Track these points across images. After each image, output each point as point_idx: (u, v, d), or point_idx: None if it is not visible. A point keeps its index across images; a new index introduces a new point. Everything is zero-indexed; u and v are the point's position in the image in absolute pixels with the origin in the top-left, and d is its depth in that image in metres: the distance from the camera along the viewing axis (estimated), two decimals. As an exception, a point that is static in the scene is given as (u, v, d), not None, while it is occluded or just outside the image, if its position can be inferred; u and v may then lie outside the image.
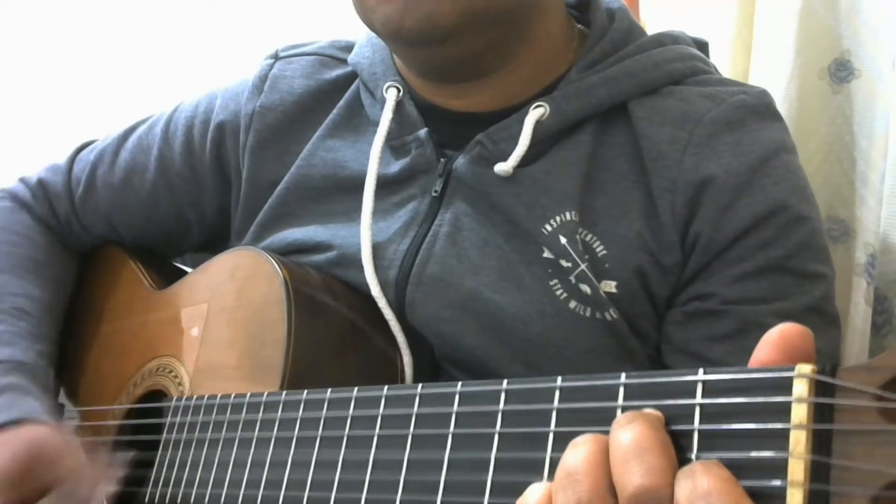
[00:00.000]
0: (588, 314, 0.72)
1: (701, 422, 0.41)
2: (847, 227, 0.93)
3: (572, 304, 0.72)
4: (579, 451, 0.42)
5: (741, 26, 1.03)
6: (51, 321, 0.94)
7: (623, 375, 0.45)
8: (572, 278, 0.72)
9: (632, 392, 0.44)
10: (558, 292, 0.73)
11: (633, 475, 0.40)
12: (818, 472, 0.37)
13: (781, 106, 0.94)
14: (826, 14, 0.94)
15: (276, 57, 0.91)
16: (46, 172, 1.01)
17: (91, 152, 0.99)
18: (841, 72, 0.94)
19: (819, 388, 0.38)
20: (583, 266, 0.72)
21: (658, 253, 0.72)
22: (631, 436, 0.41)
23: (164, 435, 0.76)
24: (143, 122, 0.99)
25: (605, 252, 0.73)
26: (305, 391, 0.63)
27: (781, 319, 0.68)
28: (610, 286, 0.72)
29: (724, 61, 1.03)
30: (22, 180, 1.02)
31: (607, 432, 0.42)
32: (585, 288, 0.72)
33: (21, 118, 1.81)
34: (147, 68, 1.77)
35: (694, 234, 0.71)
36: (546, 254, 0.73)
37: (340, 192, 0.83)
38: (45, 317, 0.92)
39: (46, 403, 0.81)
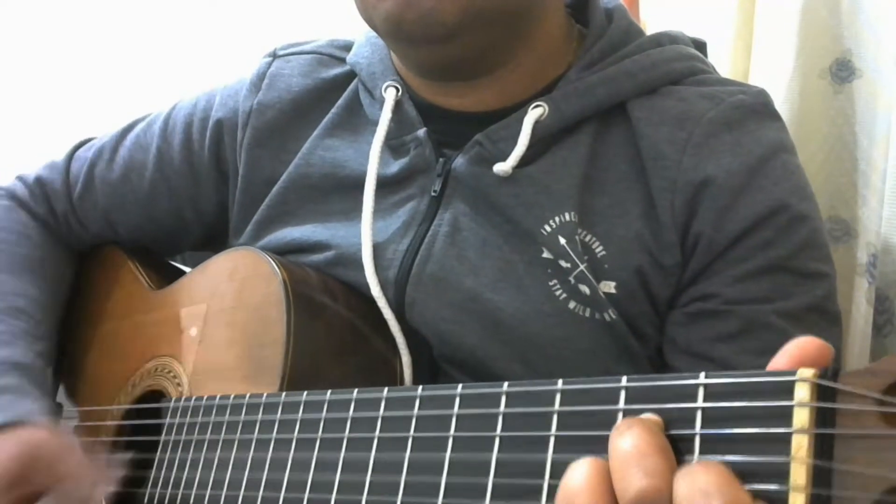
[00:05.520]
0: (587, 314, 0.72)
1: (702, 426, 0.41)
2: (848, 227, 0.93)
3: (571, 305, 0.72)
4: (578, 472, 0.42)
5: (741, 26, 1.03)
6: (49, 320, 0.93)
7: (624, 379, 0.45)
8: (571, 279, 0.72)
9: (633, 395, 0.44)
10: (557, 293, 0.72)
11: (633, 479, 0.40)
12: (820, 477, 0.37)
13: (782, 106, 0.94)
14: (827, 14, 0.94)
15: (274, 55, 0.91)
16: (44, 170, 1.01)
17: (89, 150, 0.99)
18: (842, 72, 0.94)
19: (821, 392, 0.38)
20: (582, 267, 0.72)
21: (658, 253, 0.72)
22: (630, 441, 0.41)
23: (164, 436, 0.76)
24: (141, 119, 0.99)
25: (604, 253, 0.72)
26: (305, 392, 0.63)
27: (784, 319, 0.69)
28: (609, 287, 0.72)
29: (724, 61, 1.03)
30: (19, 178, 1.01)
31: (608, 436, 0.42)
32: (584, 288, 0.72)
33: (20, 117, 1.81)
34: (147, 68, 1.77)
35: (695, 234, 0.71)
36: (545, 254, 0.73)
37: (339, 192, 0.82)
38: (44, 316, 0.92)
39: (44, 405, 0.81)
